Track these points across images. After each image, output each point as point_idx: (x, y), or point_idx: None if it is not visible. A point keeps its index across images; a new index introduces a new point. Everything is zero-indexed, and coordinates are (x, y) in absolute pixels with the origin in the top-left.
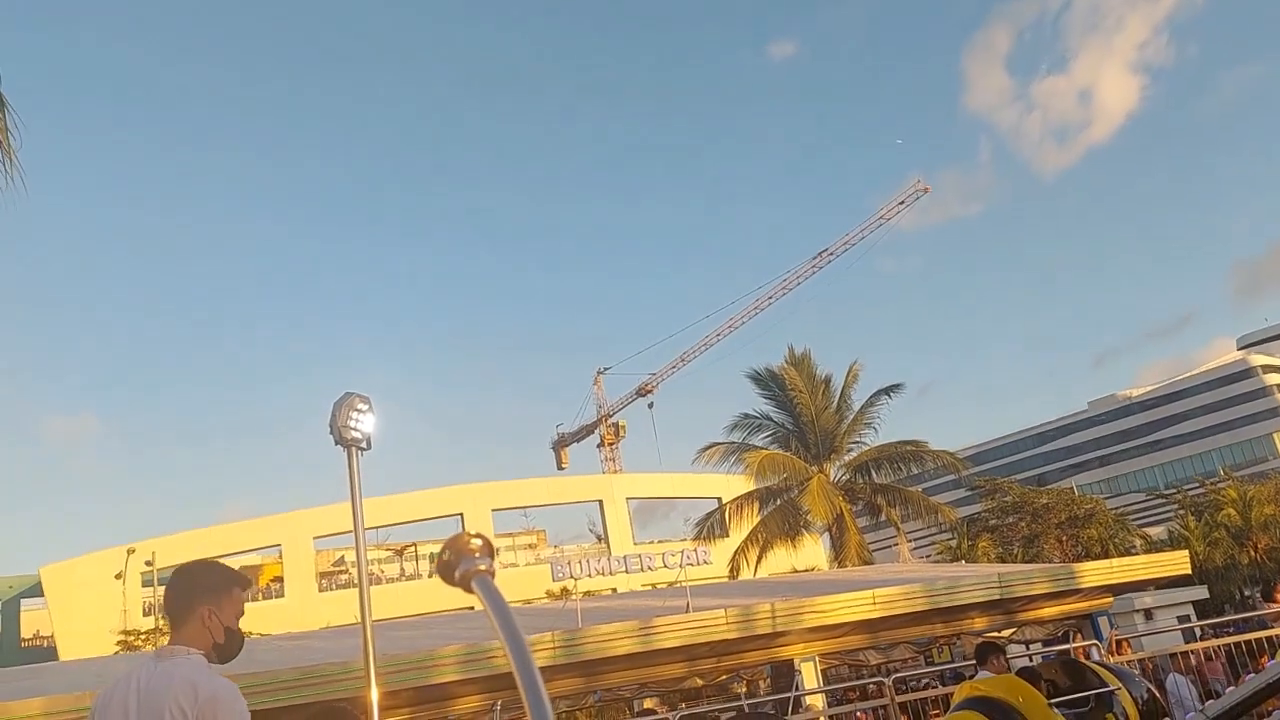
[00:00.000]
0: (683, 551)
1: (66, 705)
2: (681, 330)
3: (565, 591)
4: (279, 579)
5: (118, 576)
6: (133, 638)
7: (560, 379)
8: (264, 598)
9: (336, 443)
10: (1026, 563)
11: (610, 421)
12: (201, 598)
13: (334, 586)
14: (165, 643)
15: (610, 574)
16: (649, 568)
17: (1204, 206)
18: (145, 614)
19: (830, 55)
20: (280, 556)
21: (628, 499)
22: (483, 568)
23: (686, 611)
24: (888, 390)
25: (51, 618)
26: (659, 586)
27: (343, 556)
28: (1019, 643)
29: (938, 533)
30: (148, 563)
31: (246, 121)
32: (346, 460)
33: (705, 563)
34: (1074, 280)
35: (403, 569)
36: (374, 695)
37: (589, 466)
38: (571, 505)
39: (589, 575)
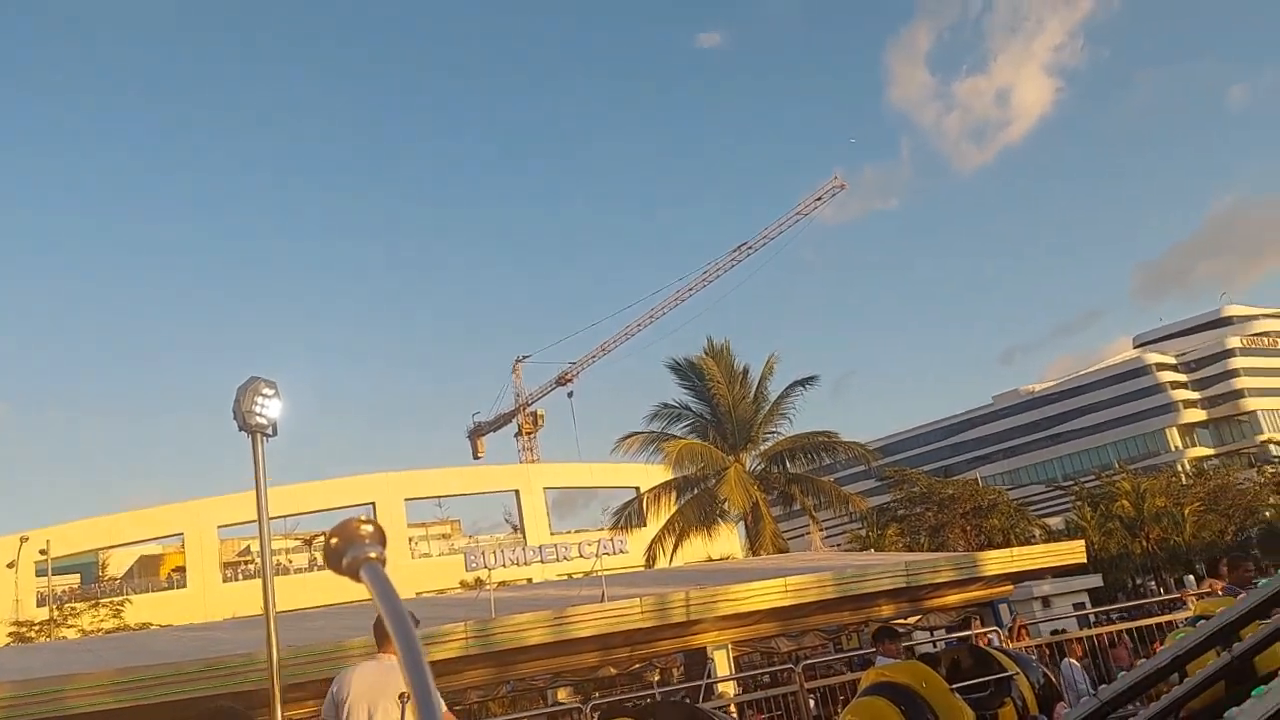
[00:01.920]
0: (599, 541)
1: None
2: (602, 320)
3: (479, 582)
4: (180, 569)
5: (10, 565)
6: (25, 629)
7: (478, 368)
8: (165, 588)
9: (241, 429)
10: (932, 551)
11: (529, 410)
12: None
13: (239, 577)
14: (60, 633)
15: (525, 564)
16: (565, 558)
17: (1112, 208)
18: (39, 604)
19: (757, 47)
20: (182, 546)
21: (545, 489)
22: (373, 555)
23: (601, 601)
24: (803, 382)
25: None
26: (575, 576)
27: (248, 546)
28: (924, 629)
29: (849, 522)
30: (42, 551)
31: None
32: (251, 447)
33: (622, 552)
34: (987, 276)
35: (312, 559)
36: (277, 687)
37: (506, 456)
38: (488, 495)
39: (504, 565)
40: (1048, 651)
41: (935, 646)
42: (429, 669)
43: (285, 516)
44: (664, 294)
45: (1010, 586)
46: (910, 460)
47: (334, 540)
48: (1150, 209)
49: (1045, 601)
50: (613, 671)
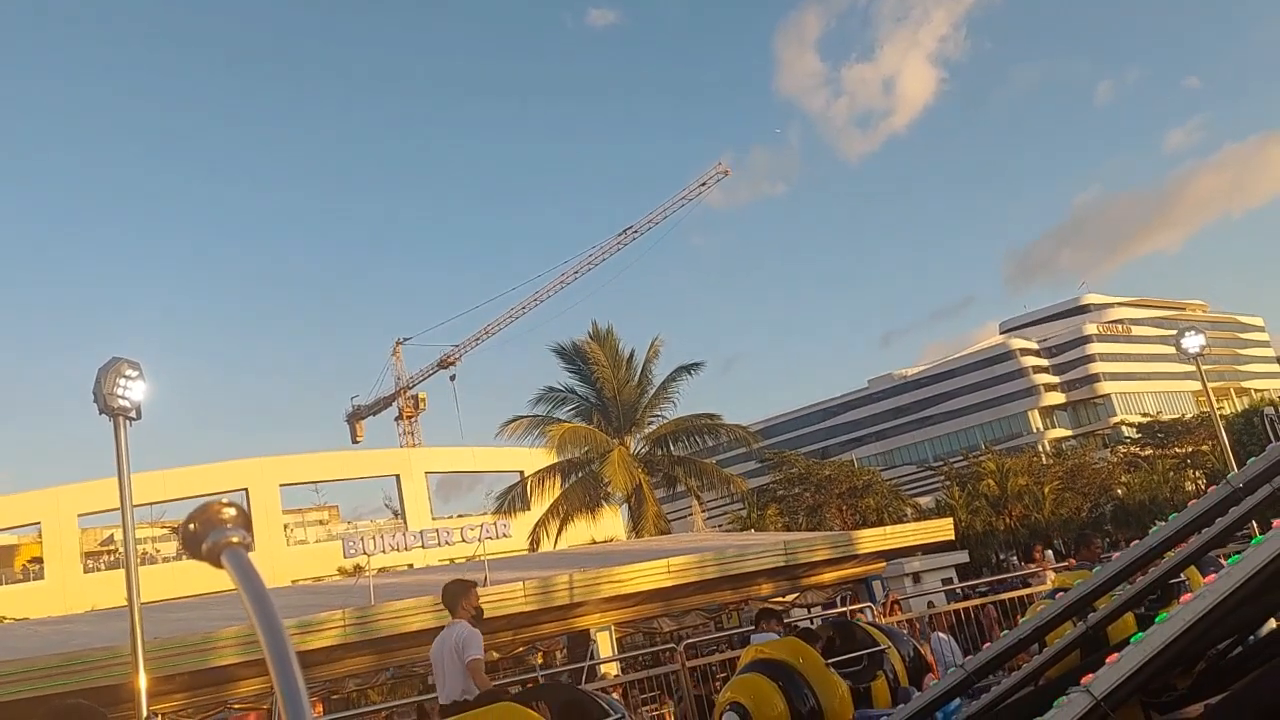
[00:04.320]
0: (482, 526)
1: None
2: (487, 302)
3: (358, 569)
4: (38, 560)
5: None
6: None
7: (357, 350)
8: (20, 580)
9: (101, 411)
10: (810, 531)
11: (410, 394)
12: (461, 598)
13: (102, 567)
14: None
15: (406, 549)
16: (447, 543)
17: (987, 197)
18: None
19: (649, 26)
20: (39, 535)
21: (427, 473)
22: (235, 539)
23: (483, 585)
24: (688, 367)
25: None
26: (457, 561)
27: (111, 535)
28: (802, 606)
29: (730, 503)
30: None
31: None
32: (113, 430)
33: (505, 536)
34: (869, 261)
35: (180, 548)
36: (142, 680)
37: (386, 440)
38: (367, 480)
39: (384, 551)
40: (918, 626)
41: (812, 624)
42: (295, 658)
43: (152, 504)
44: (549, 277)
45: (883, 564)
46: (790, 442)
47: (192, 525)
48: (1022, 199)
49: (916, 578)
50: (495, 655)
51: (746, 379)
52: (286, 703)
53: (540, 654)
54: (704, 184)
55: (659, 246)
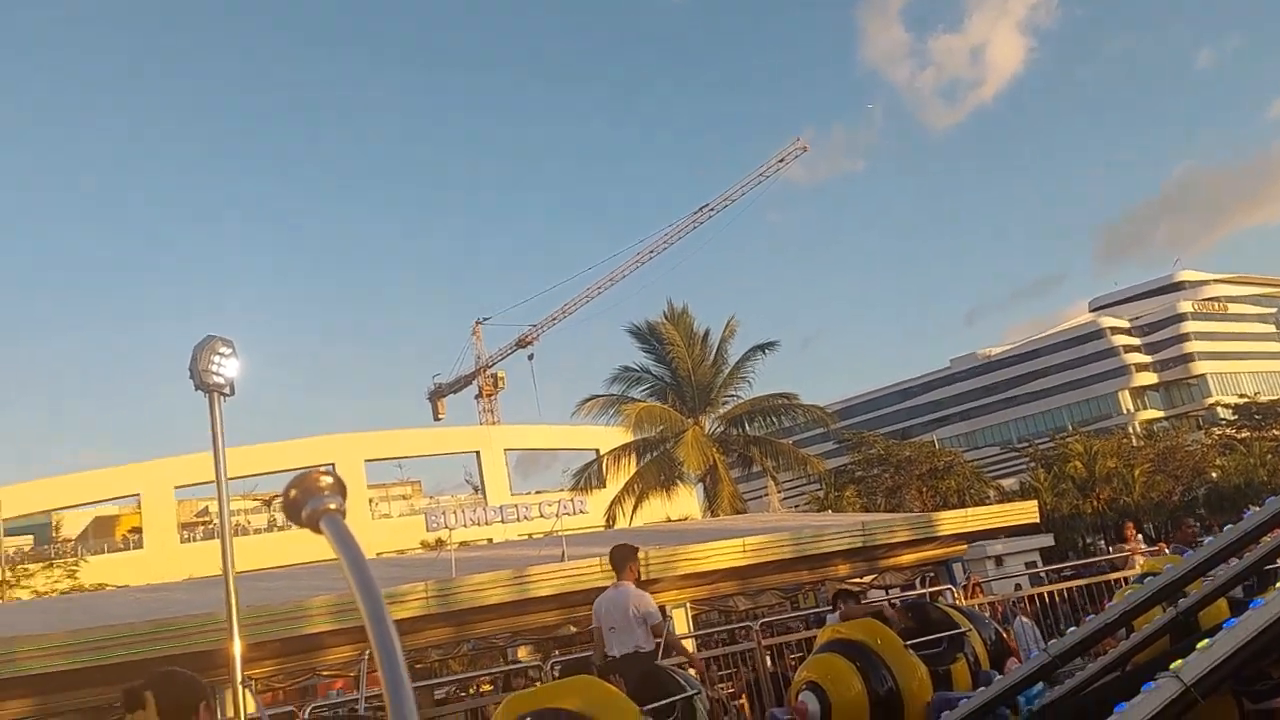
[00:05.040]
0: (559, 502)
1: None
2: (563, 282)
3: (440, 542)
4: (137, 530)
5: None
6: None
7: (439, 330)
8: (121, 549)
9: (197, 388)
10: (889, 512)
11: (489, 373)
12: (629, 561)
13: (197, 537)
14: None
15: (486, 524)
16: (526, 518)
17: (1078, 170)
18: None
19: (727, 5)
20: (139, 507)
21: (505, 450)
22: (332, 506)
23: (561, 560)
24: (763, 346)
25: None
26: (535, 536)
27: (206, 507)
28: (880, 588)
29: (807, 483)
30: None
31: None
32: (208, 406)
33: (582, 512)
34: (954, 237)
35: (271, 520)
36: (236, 647)
37: (466, 418)
38: (448, 456)
39: (464, 526)
40: (1000, 609)
41: (891, 605)
42: (390, 620)
43: (244, 477)
44: (624, 256)
45: (964, 546)
46: (869, 423)
47: (293, 492)
48: (1114, 173)
49: (998, 560)
50: (573, 630)
51: (824, 358)
52: (383, 661)
53: None
54: (782, 160)
55: (735, 224)
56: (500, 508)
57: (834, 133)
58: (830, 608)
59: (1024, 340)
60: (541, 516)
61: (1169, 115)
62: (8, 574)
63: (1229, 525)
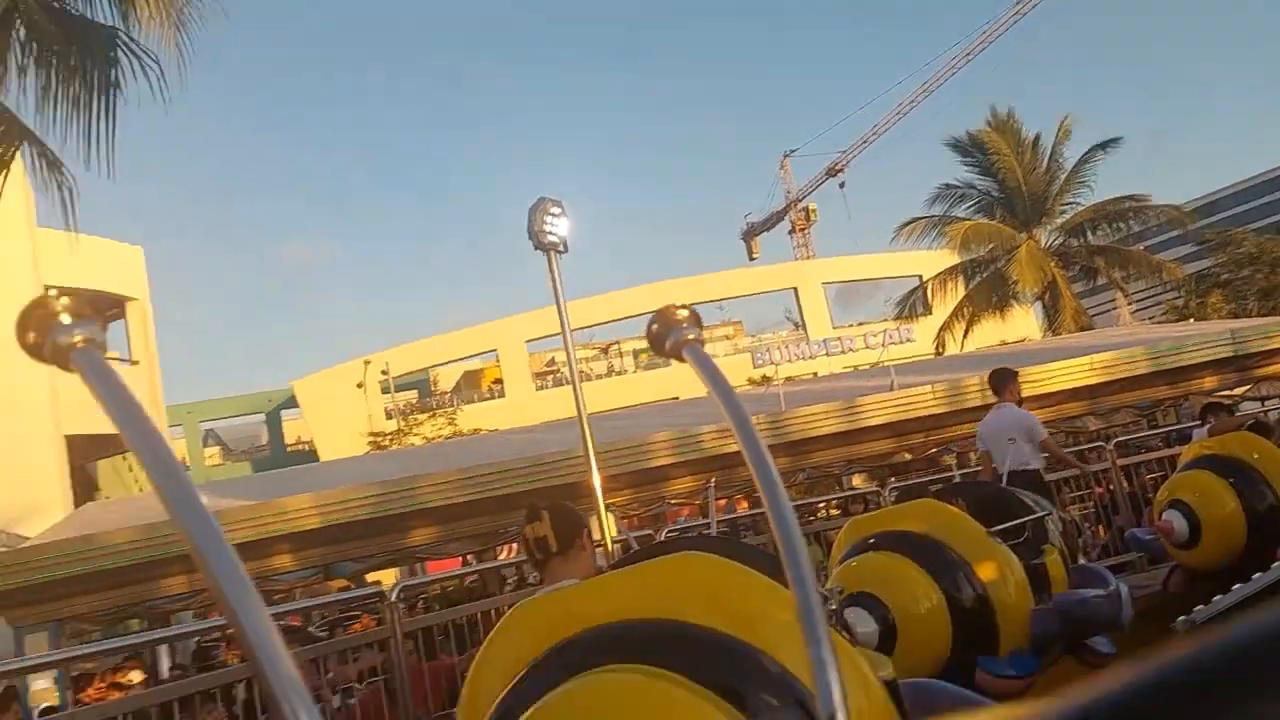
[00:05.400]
0: (884, 332)
1: (333, 499)
2: (871, 102)
3: (766, 379)
4: (499, 381)
5: (359, 385)
6: (380, 438)
7: (746, 169)
8: (488, 399)
9: (536, 248)
10: (1265, 317)
11: (800, 207)
12: (1008, 383)
13: (549, 385)
14: (407, 441)
15: (811, 358)
16: (850, 350)
17: None
18: (387, 417)
19: None
20: (497, 361)
21: (823, 284)
22: (691, 337)
23: (891, 389)
24: (1104, 145)
25: (310, 425)
26: (861, 368)
27: (553, 358)
28: (1254, 399)
29: (1162, 292)
30: (383, 372)
31: None
32: (547, 264)
33: (908, 341)
34: None
35: (610, 366)
36: (596, 479)
37: (781, 254)
38: (766, 295)
39: (789, 361)
40: None
41: (1266, 416)
42: (757, 432)
43: (581, 328)
44: (936, 65)
45: None
46: (1236, 219)
47: (655, 326)
48: None
49: None
50: (907, 457)
51: (1178, 153)
52: (753, 463)
53: (954, 456)
54: None
55: (1063, 9)
56: (824, 341)
57: None
58: (1197, 422)
59: None
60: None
61: None
62: (401, 424)
63: None
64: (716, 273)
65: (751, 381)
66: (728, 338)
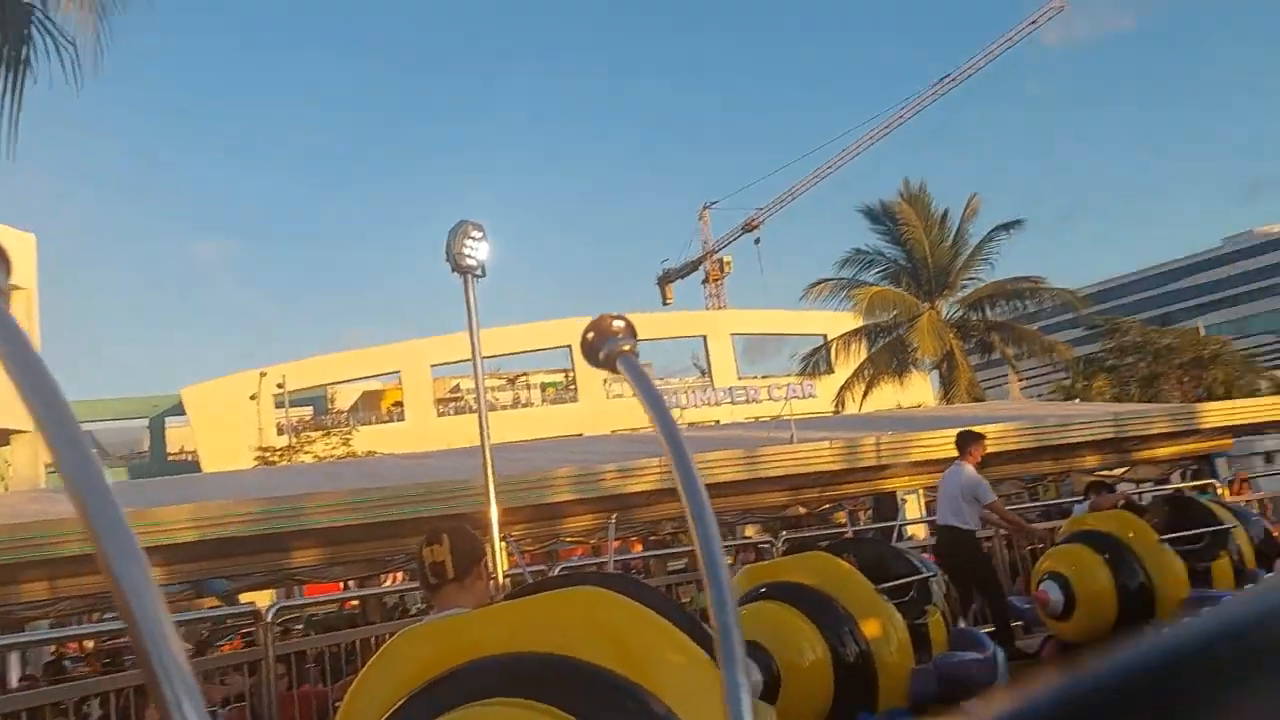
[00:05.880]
0: (788, 385)
1: (212, 512)
2: (791, 163)
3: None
4: (399, 404)
5: (252, 397)
6: (269, 454)
7: (666, 216)
8: (386, 421)
9: (454, 270)
10: (1144, 403)
11: (716, 257)
12: (969, 445)
13: (451, 412)
14: (298, 458)
15: (715, 405)
16: (754, 400)
17: None
18: (279, 433)
19: None
20: (399, 383)
21: (732, 335)
22: (626, 347)
23: (791, 442)
24: (1008, 226)
25: (196, 435)
26: (763, 419)
27: (458, 384)
28: (1131, 481)
29: (1052, 372)
30: (279, 385)
31: None
32: (463, 287)
33: (810, 397)
34: (1232, 102)
35: (517, 397)
36: (494, 510)
37: (694, 302)
38: (676, 340)
39: (693, 406)
40: (1270, 507)
41: (1141, 499)
42: (687, 445)
43: (491, 357)
44: (857, 134)
45: (1229, 440)
46: (1124, 308)
47: (590, 335)
48: None
49: (1268, 457)
50: (801, 511)
51: (1076, 240)
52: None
53: (846, 512)
54: (1034, 22)
55: (981, 95)
56: (729, 389)
57: None
58: (1079, 498)
59: None
60: (770, 399)
61: None
62: (293, 440)
63: None
64: (630, 313)
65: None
66: None
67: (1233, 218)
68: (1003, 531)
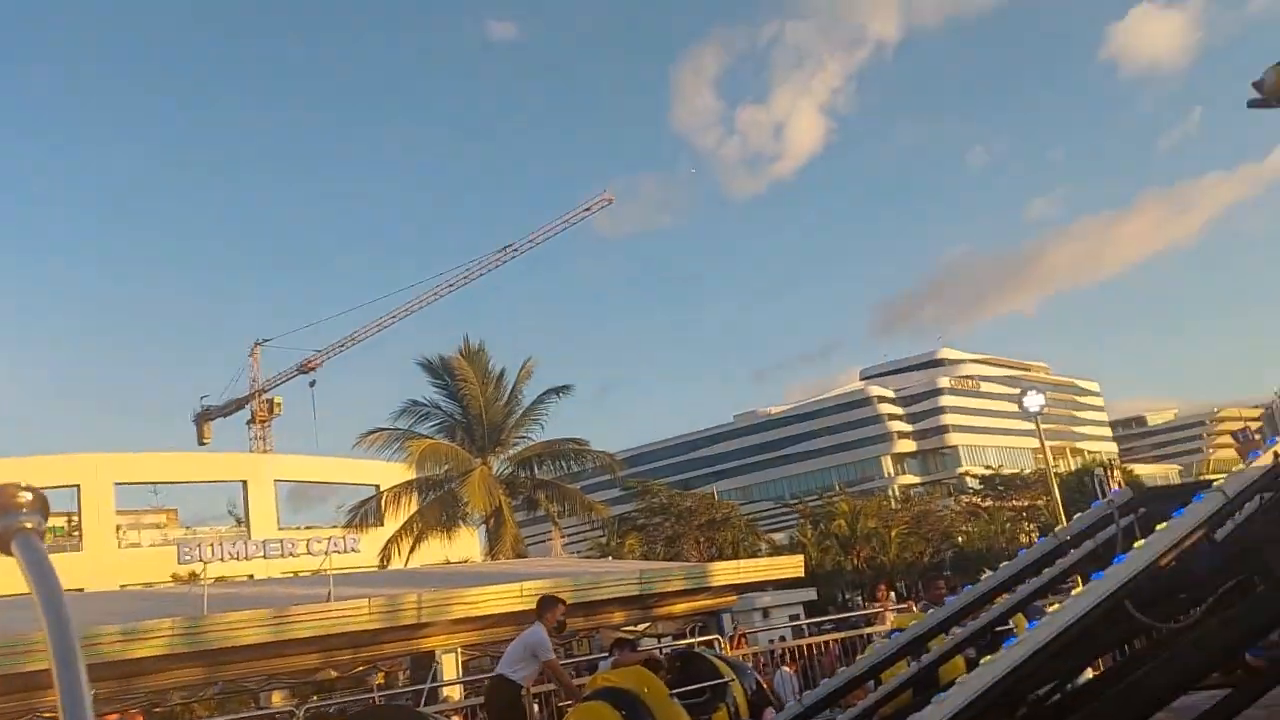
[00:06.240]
0: (330, 539)
1: None
2: (355, 308)
3: (193, 576)
4: None
5: None
6: None
7: (215, 351)
8: None
9: None
10: (668, 561)
11: (265, 397)
12: (546, 609)
13: None
14: None
15: (247, 558)
16: (292, 554)
17: (863, 245)
18: None
19: (548, 45)
20: None
21: (276, 481)
22: (29, 525)
23: (327, 600)
24: (558, 390)
25: None
26: (302, 575)
27: None
28: (653, 636)
29: (591, 529)
30: None
31: None
32: None
33: (354, 551)
34: (747, 298)
35: None
36: None
37: (236, 444)
38: (212, 485)
39: (223, 559)
40: (763, 660)
41: (661, 653)
42: (81, 658)
43: None
44: (423, 288)
45: (734, 597)
46: (655, 472)
47: None
48: (895, 251)
49: (765, 612)
50: (334, 674)
51: (618, 407)
52: (66, 706)
53: (382, 674)
54: (588, 209)
55: (539, 267)
56: (264, 542)
57: (645, 186)
58: (606, 654)
59: (801, 402)
60: (309, 553)
61: (946, 203)
62: None
63: (968, 587)
64: (158, 453)
65: (176, 579)
66: (158, 526)
67: (742, 397)
68: (534, 690)
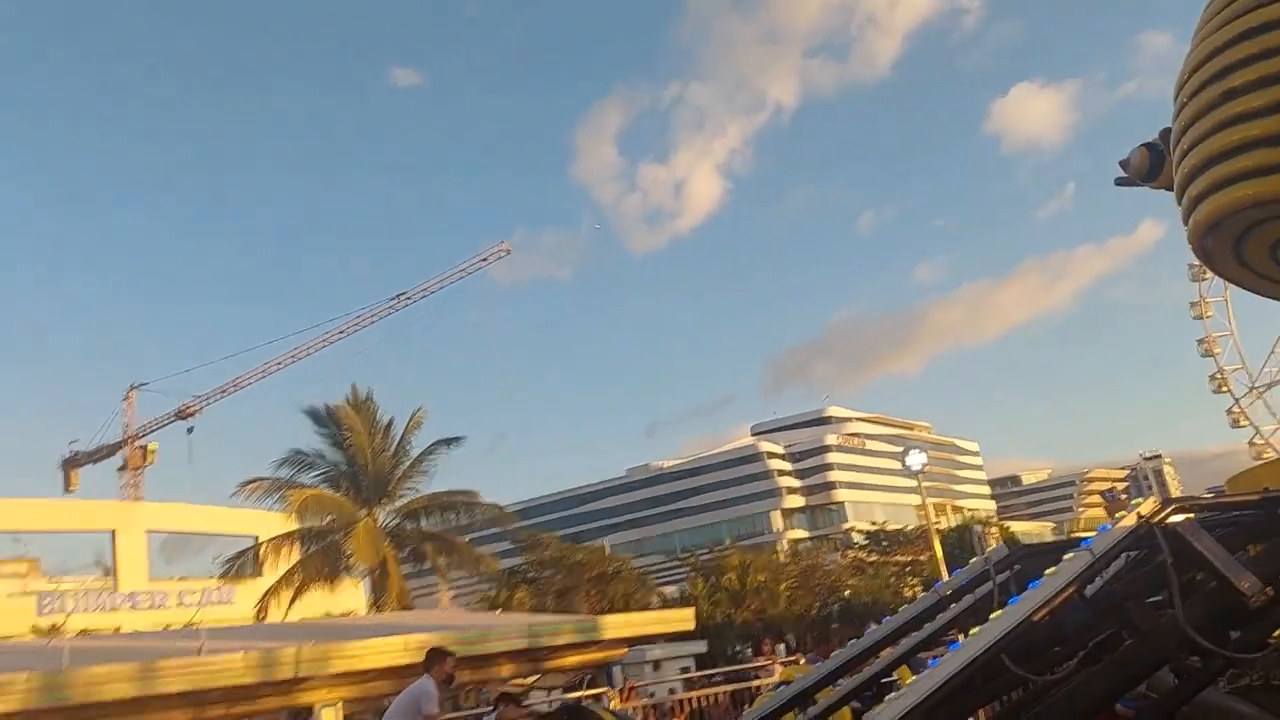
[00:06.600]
0: (203, 590)
1: None
2: (238, 354)
3: (54, 628)
4: None
5: None
6: None
7: (87, 393)
8: None
9: None
10: (559, 614)
11: (138, 443)
12: (436, 661)
13: None
14: None
15: (114, 610)
16: (161, 606)
17: (756, 304)
18: None
19: (450, 95)
20: None
21: (148, 531)
22: None
23: (199, 654)
24: (448, 441)
25: None
26: (173, 627)
27: None
28: (542, 689)
29: (479, 582)
30: None
31: None
32: None
33: (228, 603)
34: (643, 352)
35: None
36: None
37: (105, 491)
38: (79, 534)
39: (87, 611)
40: (653, 713)
41: (550, 707)
42: None
43: None
44: (311, 335)
45: (625, 650)
46: (546, 524)
47: None
48: (786, 310)
49: (656, 665)
50: None
51: (510, 459)
52: None
53: None
54: (485, 259)
55: (433, 316)
56: (132, 594)
57: (543, 238)
58: (490, 708)
59: (693, 456)
60: (181, 605)
61: (836, 264)
62: None
63: (853, 640)
64: (20, 499)
65: (36, 631)
66: (18, 576)
67: (635, 451)
68: None
